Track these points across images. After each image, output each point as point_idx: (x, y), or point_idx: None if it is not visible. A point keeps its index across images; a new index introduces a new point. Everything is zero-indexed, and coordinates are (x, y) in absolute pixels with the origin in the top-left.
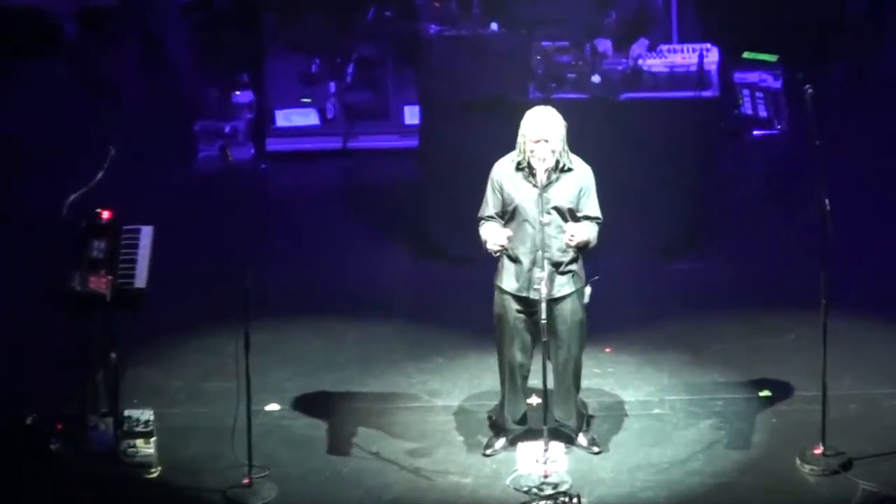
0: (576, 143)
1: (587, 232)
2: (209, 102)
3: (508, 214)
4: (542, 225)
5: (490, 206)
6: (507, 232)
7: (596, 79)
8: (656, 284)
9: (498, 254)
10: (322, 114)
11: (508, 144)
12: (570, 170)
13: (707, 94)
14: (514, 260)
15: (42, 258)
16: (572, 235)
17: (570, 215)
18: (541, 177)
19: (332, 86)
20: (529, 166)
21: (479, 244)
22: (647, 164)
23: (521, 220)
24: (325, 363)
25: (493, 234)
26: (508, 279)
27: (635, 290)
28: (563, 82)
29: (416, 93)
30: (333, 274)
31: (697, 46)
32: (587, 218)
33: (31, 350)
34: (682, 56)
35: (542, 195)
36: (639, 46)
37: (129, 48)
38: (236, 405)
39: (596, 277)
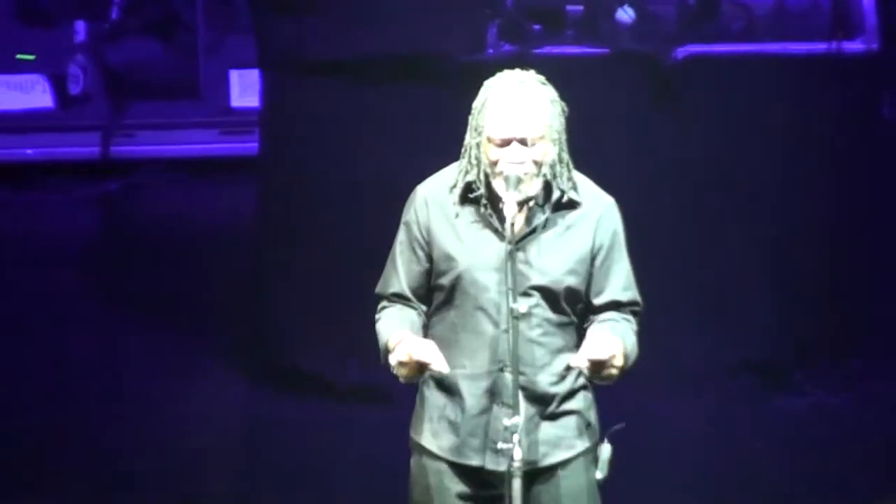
0: (585, 150)
1: (620, 344)
2: None
3: (444, 293)
4: (514, 317)
5: (401, 274)
6: (437, 357)
7: (625, 17)
8: (746, 438)
9: (413, 380)
10: (59, 87)
11: (444, 150)
12: (573, 205)
13: (854, 46)
14: (450, 390)
15: None
16: (602, 362)
17: (568, 300)
18: (513, 217)
19: (81, 29)
20: (490, 196)
21: (378, 355)
22: (726, 194)
23: (471, 308)
24: None
25: (407, 344)
26: (438, 429)
27: (705, 450)
28: (558, 24)
29: (255, 46)
30: (80, 417)
31: None
32: (614, 305)
33: None
34: None
35: (513, 255)
36: None
37: None
38: None
39: (620, 426)
